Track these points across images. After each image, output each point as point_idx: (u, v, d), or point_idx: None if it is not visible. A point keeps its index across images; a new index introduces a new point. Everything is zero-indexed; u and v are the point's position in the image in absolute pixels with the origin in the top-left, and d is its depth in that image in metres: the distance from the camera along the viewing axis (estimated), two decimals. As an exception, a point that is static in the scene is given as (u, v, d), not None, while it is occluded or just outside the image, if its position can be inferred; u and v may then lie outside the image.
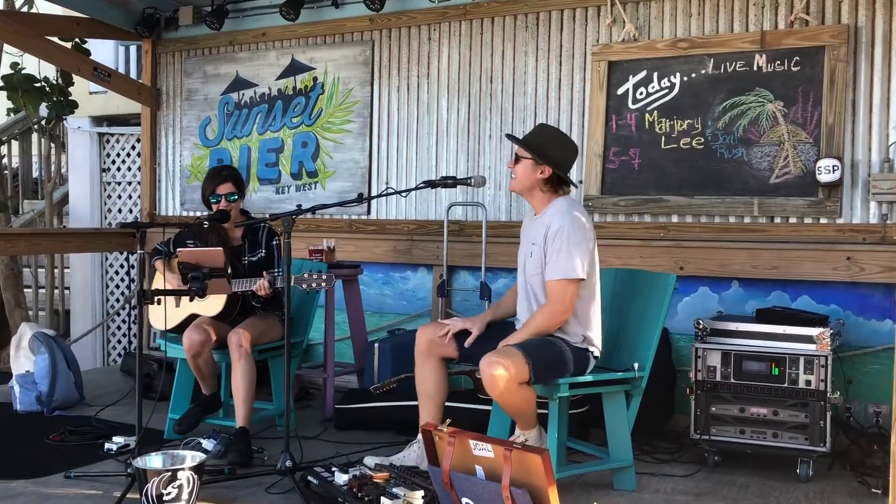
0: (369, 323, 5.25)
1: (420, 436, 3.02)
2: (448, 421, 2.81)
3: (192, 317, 3.91)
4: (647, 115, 4.45)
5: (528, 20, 4.79)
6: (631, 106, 4.50)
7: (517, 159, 3.27)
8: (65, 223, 8.13)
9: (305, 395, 4.99)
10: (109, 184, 7.90)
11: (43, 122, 6.57)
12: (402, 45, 5.17)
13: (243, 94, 5.74)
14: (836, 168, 3.88)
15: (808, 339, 3.54)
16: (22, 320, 6.44)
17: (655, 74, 4.43)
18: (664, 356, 4.22)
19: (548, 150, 3.22)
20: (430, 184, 3.22)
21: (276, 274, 3.92)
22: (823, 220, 4.05)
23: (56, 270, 7.29)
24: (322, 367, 4.77)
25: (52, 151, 7.03)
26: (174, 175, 6.07)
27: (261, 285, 3.67)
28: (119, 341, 7.46)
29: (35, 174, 9.40)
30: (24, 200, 8.84)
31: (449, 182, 3.22)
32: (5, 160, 8.30)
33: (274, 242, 3.99)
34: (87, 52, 6.06)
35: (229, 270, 3.35)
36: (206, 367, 3.81)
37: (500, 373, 2.94)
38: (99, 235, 6.18)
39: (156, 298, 3.23)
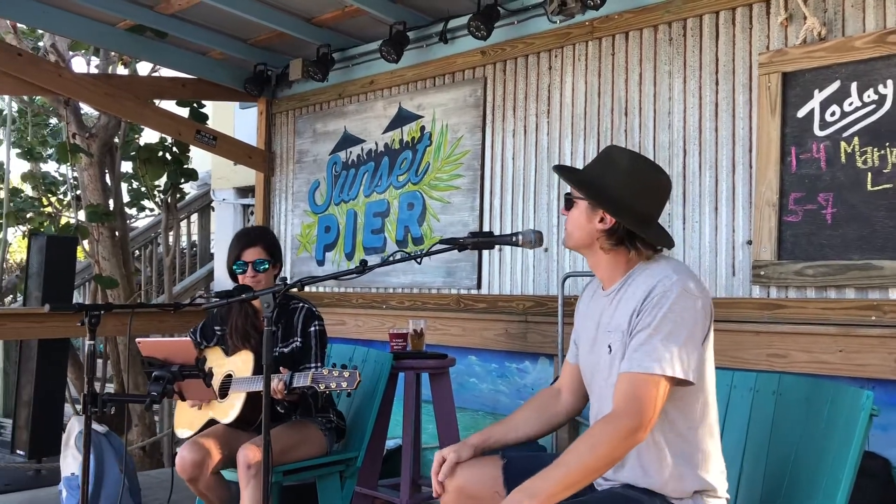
0: (481, 426, 4.16)
1: None
2: None
3: (214, 423, 3.08)
4: (843, 143, 3.08)
5: (671, 31, 3.61)
6: (818, 132, 3.15)
7: (569, 203, 2.07)
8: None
9: (392, 518, 3.96)
10: (252, 258, 7.54)
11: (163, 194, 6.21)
12: (518, 78, 4.16)
13: (350, 153, 5.00)
14: None
15: None
16: (143, 406, 6.03)
17: (854, 85, 3.06)
18: (882, 499, 2.77)
19: (607, 183, 1.99)
20: (454, 243, 2.14)
21: (309, 368, 3.01)
22: None
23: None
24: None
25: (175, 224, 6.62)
26: (286, 245, 5.42)
27: (277, 387, 2.76)
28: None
29: (212, 248, 9.47)
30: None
31: (482, 240, 2.12)
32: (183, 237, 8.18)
33: (312, 329, 3.08)
34: (204, 118, 5.66)
35: (206, 367, 2.47)
36: (210, 492, 2.92)
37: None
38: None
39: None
